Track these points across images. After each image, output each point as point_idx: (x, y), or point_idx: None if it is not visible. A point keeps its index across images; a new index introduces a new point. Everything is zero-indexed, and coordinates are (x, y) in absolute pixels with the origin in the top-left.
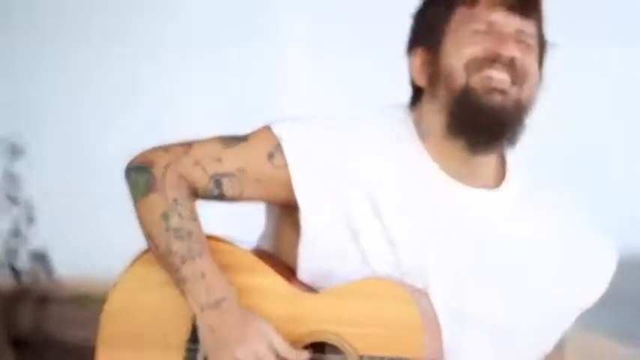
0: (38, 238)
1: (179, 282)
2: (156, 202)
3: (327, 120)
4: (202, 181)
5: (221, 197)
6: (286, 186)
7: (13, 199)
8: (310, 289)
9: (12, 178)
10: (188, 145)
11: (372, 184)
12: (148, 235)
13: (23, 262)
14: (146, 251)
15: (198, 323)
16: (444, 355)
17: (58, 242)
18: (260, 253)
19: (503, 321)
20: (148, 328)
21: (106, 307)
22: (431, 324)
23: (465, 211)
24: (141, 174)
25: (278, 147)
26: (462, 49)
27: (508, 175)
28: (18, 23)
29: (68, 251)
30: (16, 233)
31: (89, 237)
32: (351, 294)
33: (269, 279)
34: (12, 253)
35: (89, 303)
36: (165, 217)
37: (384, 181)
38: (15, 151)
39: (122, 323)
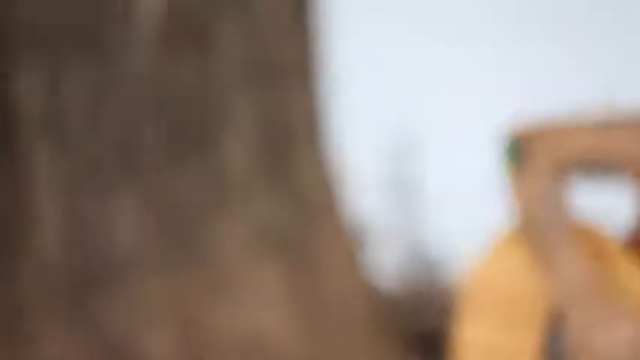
0: (438, 242)
1: (545, 265)
2: (530, 180)
3: None
4: (582, 161)
5: (603, 177)
6: None
7: (410, 202)
8: None
9: (406, 179)
10: (568, 125)
11: None
12: (519, 213)
13: (420, 267)
14: (514, 231)
15: (567, 311)
16: None
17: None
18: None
19: None
20: (507, 307)
21: (472, 278)
22: None
23: None
24: (517, 148)
25: None
26: None
27: None
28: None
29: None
30: (415, 240)
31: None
32: None
33: (629, 270)
34: (414, 257)
35: None
36: (538, 198)
37: None
38: (408, 148)
39: (485, 298)
